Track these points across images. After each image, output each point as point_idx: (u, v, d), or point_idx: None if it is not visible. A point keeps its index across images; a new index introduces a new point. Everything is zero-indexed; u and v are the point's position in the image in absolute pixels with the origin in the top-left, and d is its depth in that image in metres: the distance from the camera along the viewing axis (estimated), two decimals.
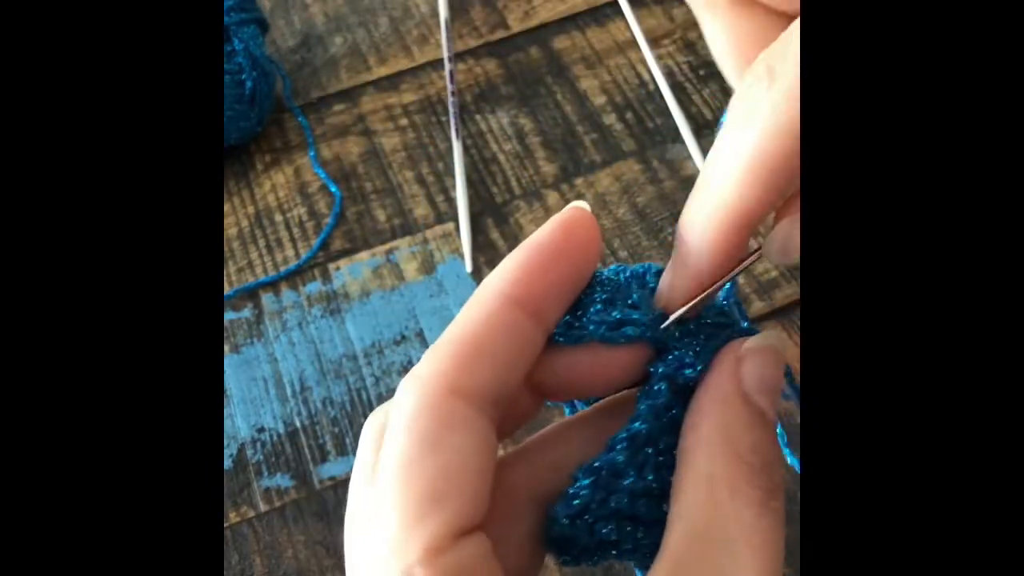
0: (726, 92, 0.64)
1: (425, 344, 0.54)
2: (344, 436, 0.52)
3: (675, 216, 0.59)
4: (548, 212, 0.60)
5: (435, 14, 0.70)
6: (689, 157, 0.61)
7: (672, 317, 0.25)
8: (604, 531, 0.24)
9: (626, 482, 0.24)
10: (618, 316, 0.25)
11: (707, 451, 0.23)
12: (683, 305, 0.25)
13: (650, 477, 0.24)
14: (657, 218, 0.59)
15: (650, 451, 0.24)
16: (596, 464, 0.24)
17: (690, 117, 0.62)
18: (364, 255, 0.59)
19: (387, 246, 0.59)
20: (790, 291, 0.55)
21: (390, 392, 0.53)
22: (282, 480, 0.52)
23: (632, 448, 0.24)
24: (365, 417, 0.53)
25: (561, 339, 0.25)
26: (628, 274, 0.26)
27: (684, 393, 0.25)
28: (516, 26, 0.69)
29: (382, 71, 0.68)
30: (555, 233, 0.24)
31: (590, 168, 0.61)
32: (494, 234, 0.59)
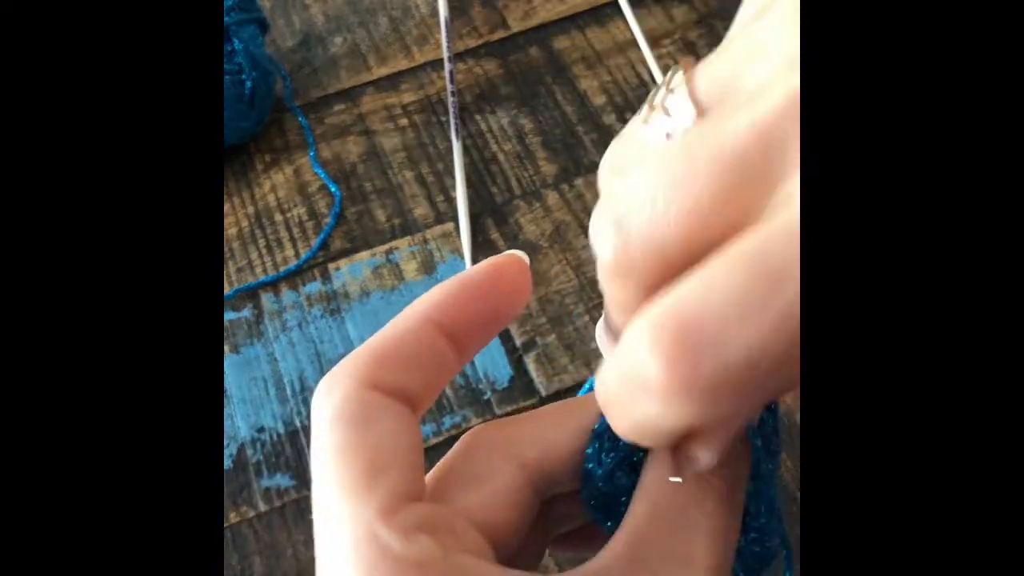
0: None
1: None
2: None
3: None
4: (548, 212, 0.60)
5: (435, 14, 0.70)
6: None
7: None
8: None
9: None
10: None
11: None
12: None
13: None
14: None
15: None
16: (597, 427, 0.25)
17: None
18: (364, 255, 0.59)
19: (387, 246, 0.59)
20: None
21: None
22: (282, 480, 0.52)
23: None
24: None
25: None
26: None
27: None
28: (516, 26, 0.69)
29: (382, 71, 0.68)
30: (485, 272, 0.25)
31: (590, 168, 0.61)
32: (494, 234, 0.59)
